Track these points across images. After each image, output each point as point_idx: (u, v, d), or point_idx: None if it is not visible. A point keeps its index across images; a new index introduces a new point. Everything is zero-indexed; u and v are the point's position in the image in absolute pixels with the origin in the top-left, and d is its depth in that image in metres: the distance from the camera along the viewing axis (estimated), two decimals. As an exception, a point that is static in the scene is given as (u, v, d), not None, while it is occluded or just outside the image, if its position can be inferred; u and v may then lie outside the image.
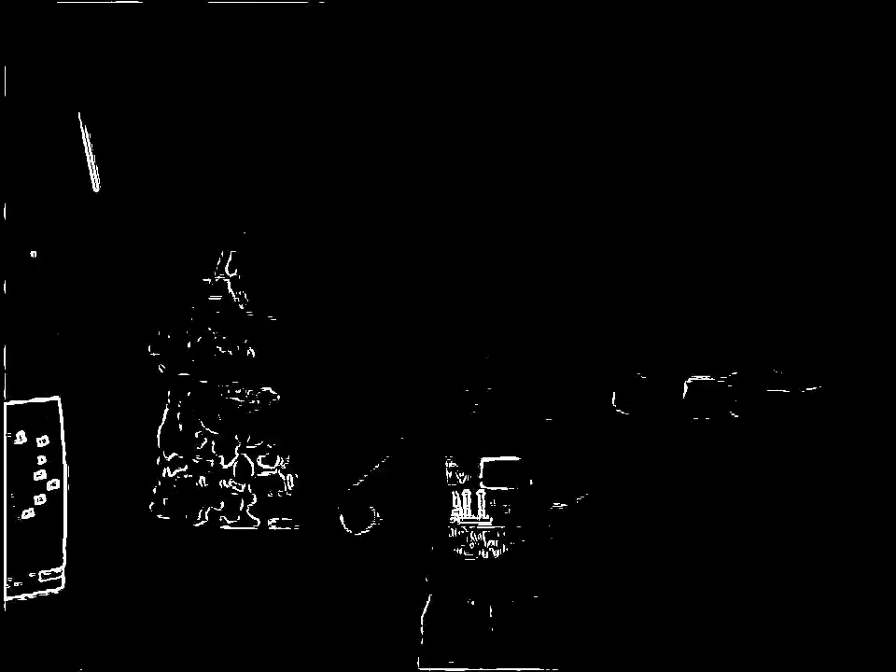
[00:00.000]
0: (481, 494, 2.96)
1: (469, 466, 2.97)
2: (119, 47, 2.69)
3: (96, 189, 2.60)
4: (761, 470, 2.89)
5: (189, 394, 2.88)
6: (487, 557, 2.94)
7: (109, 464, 2.79)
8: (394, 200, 2.96)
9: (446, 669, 2.84)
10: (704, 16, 2.84)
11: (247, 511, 2.89)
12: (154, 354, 2.89)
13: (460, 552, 2.94)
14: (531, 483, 2.95)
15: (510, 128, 2.94)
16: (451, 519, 2.96)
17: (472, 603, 2.90)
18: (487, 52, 2.89)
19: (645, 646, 2.82)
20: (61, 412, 2.58)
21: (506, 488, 2.96)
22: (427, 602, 2.90)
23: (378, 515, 2.93)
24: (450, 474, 2.96)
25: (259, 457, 2.91)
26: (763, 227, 2.92)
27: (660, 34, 2.86)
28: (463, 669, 2.85)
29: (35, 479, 2.57)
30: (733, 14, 2.84)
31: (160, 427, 2.89)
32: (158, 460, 2.89)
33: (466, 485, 2.96)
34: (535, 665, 2.83)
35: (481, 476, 2.96)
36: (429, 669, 2.85)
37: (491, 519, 2.95)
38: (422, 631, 2.88)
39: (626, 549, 2.88)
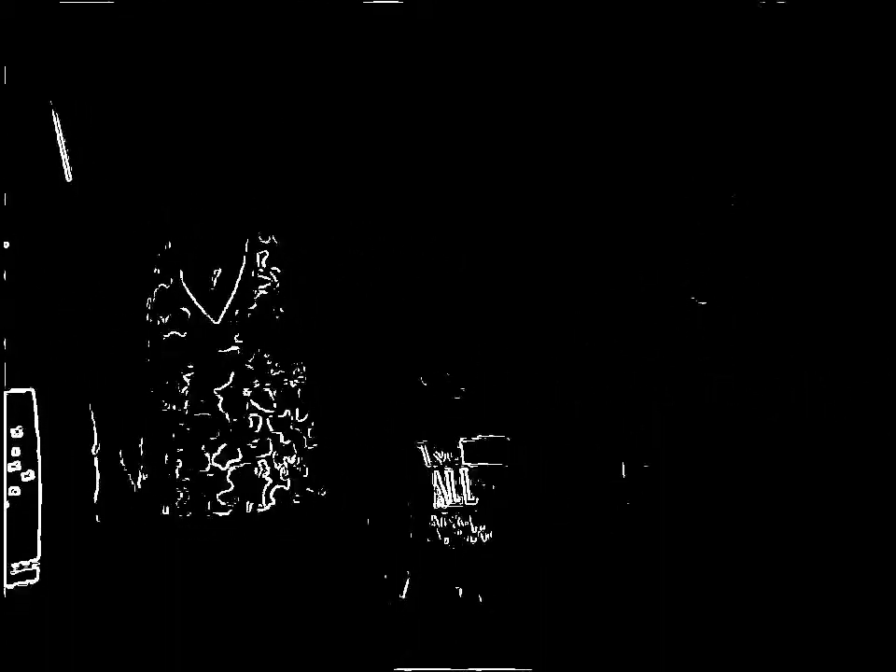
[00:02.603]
0: (464, 472, 2.92)
1: (448, 445, 2.93)
2: (96, 38, 2.70)
3: (69, 178, 2.60)
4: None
5: (231, 378, 2.85)
6: (475, 543, 2.90)
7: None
8: (384, 197, 2.96)
9: (428, 669, 2.83)
10: (702, 18, 2.87)
11: (307, 484, 2.88)
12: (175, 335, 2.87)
13: (447, 541, 2.90)
14: (515, 459, 2.91)
15: (501, 132, 2.95)
16: (434, 506, 2.92)
17: (460, 592, 2.87)
18: (488, 52, 2.90)
19: (639, 645, 2.81)
20: (35, 402, 2.59)
21: (489, 464, 2.91)
22: (405, 591, 2.88)
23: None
24: (428, 456, 2.92)
25: (309, 430, 2.90)
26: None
27: (660, 34, 2.89)
28: (445, 669, 2.83)
29: (10, 470, 2.57)
30: (731, 15, 2.86)
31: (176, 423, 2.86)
32: (186, 460, 2.84)
33: (447, 465, 2.92)
34: (521, 666, 2.82)
35: (462, 455, 2.92)
36: (409, 669, 2.83)
37: (477, 499, 2.91)
38: (400, 627, 2.87)
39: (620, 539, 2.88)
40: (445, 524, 2.90)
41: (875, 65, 2.87)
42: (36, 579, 2.57)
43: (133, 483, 2.84)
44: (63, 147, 2.62)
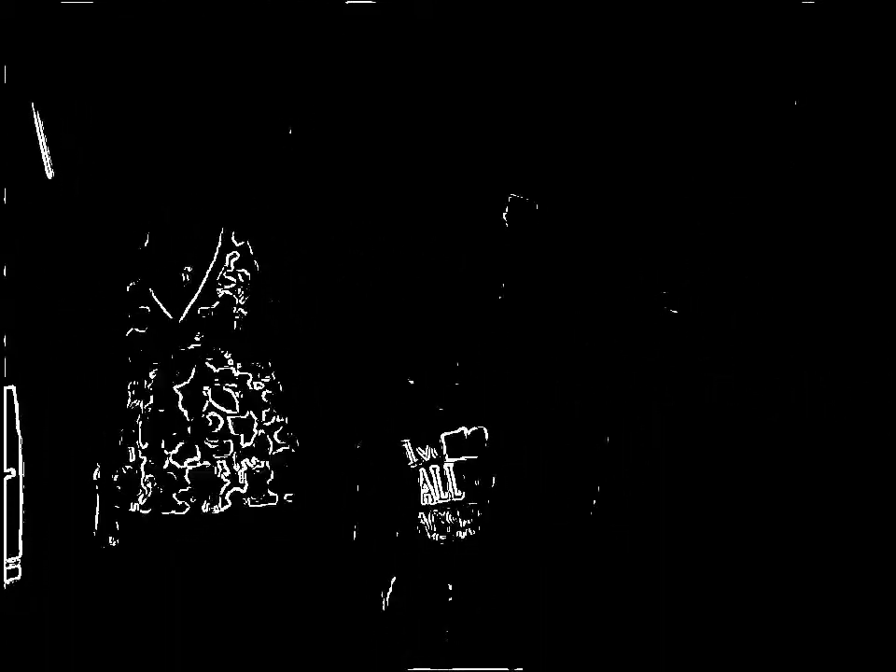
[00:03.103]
0: (449, 468, 2.91)
1: (431, 441, 2.91)
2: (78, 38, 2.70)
3: (49, 175, 2.61)
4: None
5: (191, 376, 2.85)
6: (464, 537, 2.89)
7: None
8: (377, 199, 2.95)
9: (421, 669, 2.82)
10: (702, 20, 2.83)
11: (268, 488, 2.87)
12: (141, 331, 2.87)
13: (435, 537, 2.89)
14: (496, 451, 2.90)
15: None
16: (421, 503, 2.90)
17: (451, 587, 2.86)
18: (488, 52, 2.88)
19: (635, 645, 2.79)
20: (16, 400, 2.59)
21: (471, 457, 2.90)
22: (390, 592, 2.87)
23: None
24: (412, 454, 2.91)
25: (276, 433, 2.89)
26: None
27: (660, 35, 2.85)
28: (437, 669, 2.82)
29: (-7, 467, 2.59)
30: (730, 15, 2.82)
31: (139, 420, 2.86)
32: (145, 456, 2.85)
33: (432, 462, 2.91)
34: (509, 666, 2.80)
35: (444, 451, 2.91)
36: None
37: (463, 494, 2.90)
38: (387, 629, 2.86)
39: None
40: (433, 520, 2.89)
41: (876, 66, 2.85)
42: (18, 577, 2.58)
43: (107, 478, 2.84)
44: (44, 144, 2.63)
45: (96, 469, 2.83)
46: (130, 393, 2.85)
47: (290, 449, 2.89)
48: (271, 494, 2.86)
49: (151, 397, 2.83)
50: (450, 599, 2.86)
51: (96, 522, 2.83)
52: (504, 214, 2.91)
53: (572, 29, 2.86)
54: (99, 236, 2.82)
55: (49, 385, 2.71)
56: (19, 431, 2.60)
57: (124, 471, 2.83)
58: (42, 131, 2.61)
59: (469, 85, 2.89)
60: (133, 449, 2.83)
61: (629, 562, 2.83)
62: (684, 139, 2.89)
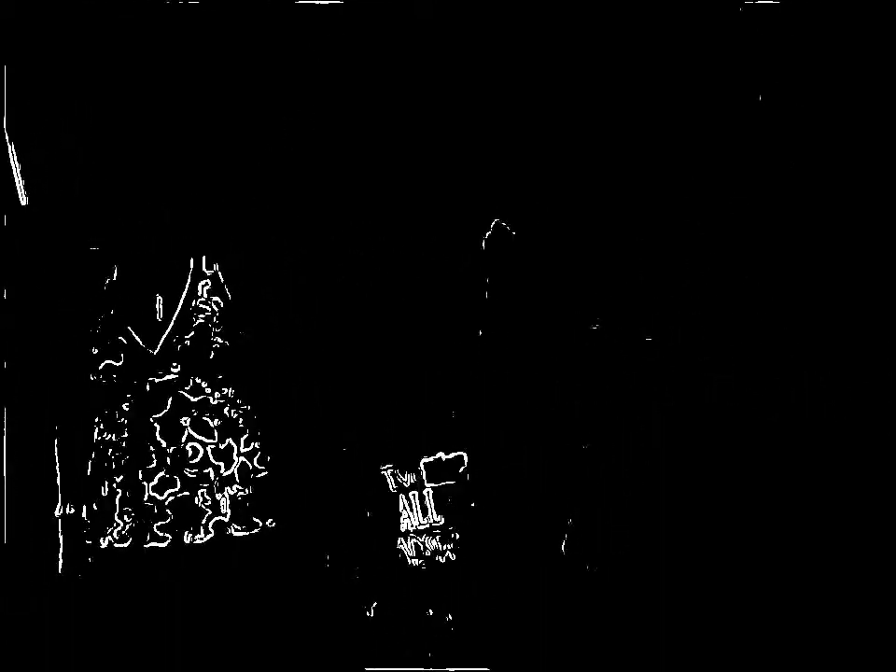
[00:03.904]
0: (428, 493, 2.90)
1: (411, 467, 2.91)
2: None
3: (24, 202, 2.62)
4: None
5: (168, 406, 2.86)
6: (444, 562, 2.90)
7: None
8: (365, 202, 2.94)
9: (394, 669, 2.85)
10: (705, 20, 2.82)
11: (252, 515, 2.87)
12: (116, 364, 2.89)
13: (416, 563, 2.91)
14: (473, 476, 2.88)
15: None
16: (401, 528, 2.91)
17: (431, 612, 2.88)
18: (488, 52, 2.88)
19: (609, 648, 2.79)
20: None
21: (450, 483, 2.89)
22: (374, 605, 2.89)
23: None
24: (392, 480, 2.92)
25: (255, 459, 2.89)
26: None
27: (658, 34, 2.85)
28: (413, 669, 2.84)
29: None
30: (734, 16, 2.81)
31: (114, 453, 2.88)
32: (121, 488, 2.86)
33: (412, 488, 2.91)
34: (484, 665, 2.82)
35: (424, 476, 2.91)
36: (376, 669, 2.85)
37: (443, 518, 2.90)
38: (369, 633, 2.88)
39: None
40: (413, 545, 2.91)
41: (875, 66, 2.79)
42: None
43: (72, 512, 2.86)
44: (18, 172, 2.64)
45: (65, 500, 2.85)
46: (100, 426, 2.86)
47: (269, 475, 2.89)
48: (254, 520, 2.87)
49: (126, 429, 2.84)
50: (429, 618, 2.88)
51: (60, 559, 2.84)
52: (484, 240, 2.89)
53: (574, 32, 2.83)
54: (70, 265, 2.83)
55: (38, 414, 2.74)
56: (4, 451, 2.63)
57: (95, 506, 2.85)
58: (15, 158, 2.62)
59: (468, 87, 2.88)
60: (106, 482, 2.84)
61: (629, 562, 2.82)
62: (686, 141, 2.85)
